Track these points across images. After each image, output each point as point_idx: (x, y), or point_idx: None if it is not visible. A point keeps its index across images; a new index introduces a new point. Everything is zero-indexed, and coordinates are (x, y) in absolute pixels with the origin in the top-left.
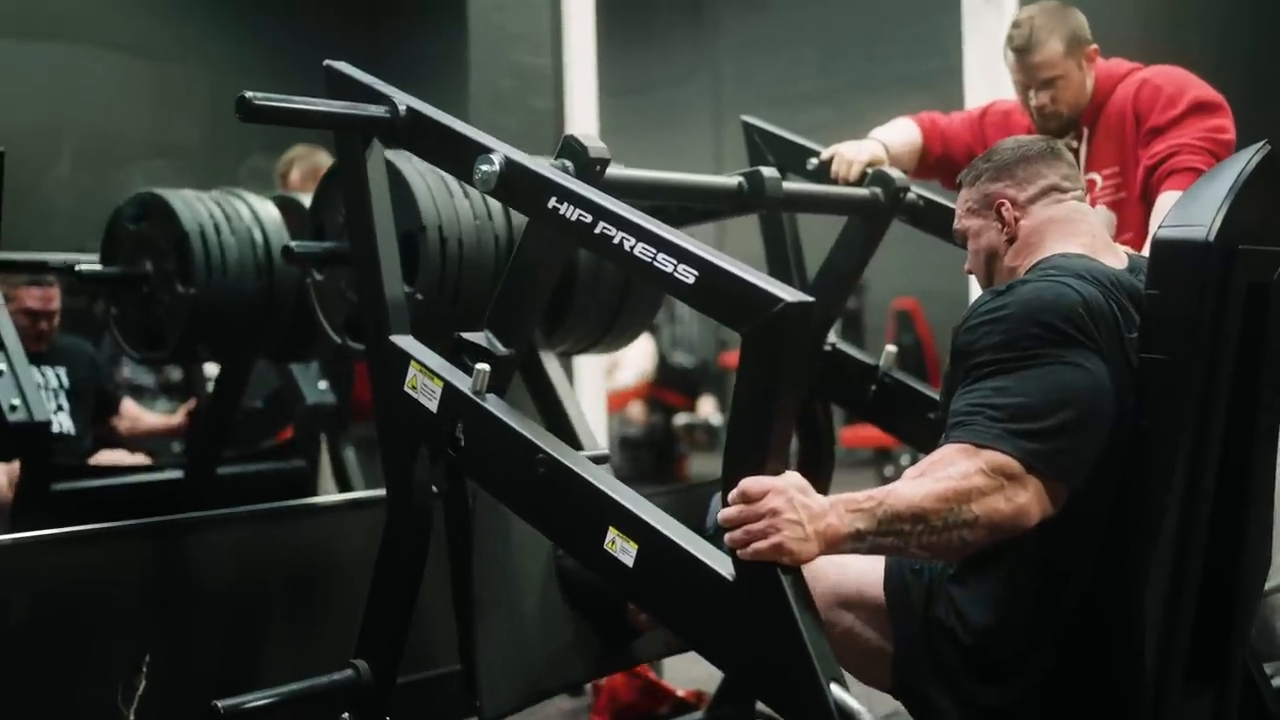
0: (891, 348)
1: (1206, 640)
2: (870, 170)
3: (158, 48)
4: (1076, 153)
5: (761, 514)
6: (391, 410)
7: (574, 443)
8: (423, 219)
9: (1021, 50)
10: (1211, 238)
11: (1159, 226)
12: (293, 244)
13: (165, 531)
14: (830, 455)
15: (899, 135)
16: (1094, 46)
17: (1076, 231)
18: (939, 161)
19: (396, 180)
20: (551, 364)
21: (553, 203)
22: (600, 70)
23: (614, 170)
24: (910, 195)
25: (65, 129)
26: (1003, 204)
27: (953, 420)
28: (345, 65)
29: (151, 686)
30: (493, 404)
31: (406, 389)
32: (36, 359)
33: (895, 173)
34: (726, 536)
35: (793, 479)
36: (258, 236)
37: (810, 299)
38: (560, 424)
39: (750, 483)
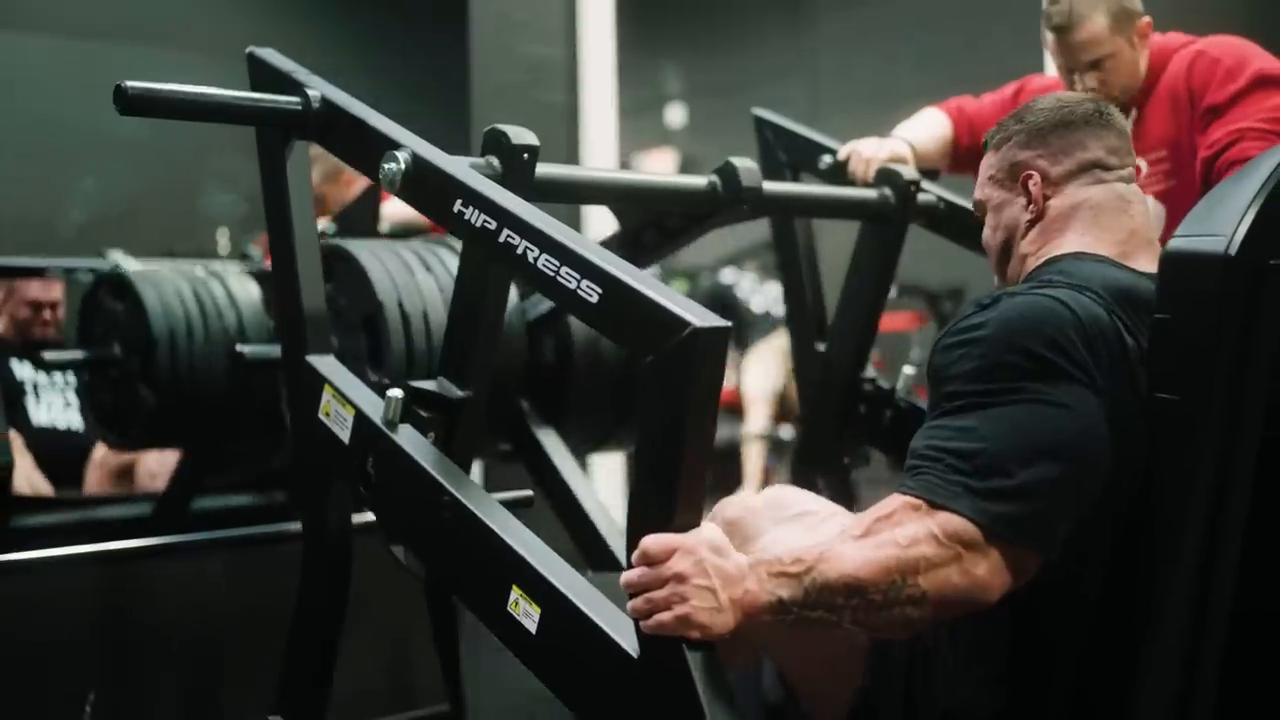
0: (909, 369)
1: None
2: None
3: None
4: None
5: (665, 579)
6: (306, 437)
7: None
8: (379, 295)
9: (1061, 29)
10: (1233, 251)
11: (1173, 236)
12: (245, 349)
13: (115, 560)
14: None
15: (925, 129)
16: (1146, 20)
17: (1111, 225)
18: (969, 153)
19: (350, 264)
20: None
21: (458, 206)
22: (693, 70)
23: (552, 169)
24: (926, 196)
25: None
26: (1030, 176)
27: (910, 461)
28: (269, 52)
29: None
30: (403, 437)
31: (320, 415)
32: (45, 348)
33: (906, 170)
34: (629, 604)
35: (706, 535)
36: (233, 329)
37: (726, 324)
38: None
39: (651, 541)
